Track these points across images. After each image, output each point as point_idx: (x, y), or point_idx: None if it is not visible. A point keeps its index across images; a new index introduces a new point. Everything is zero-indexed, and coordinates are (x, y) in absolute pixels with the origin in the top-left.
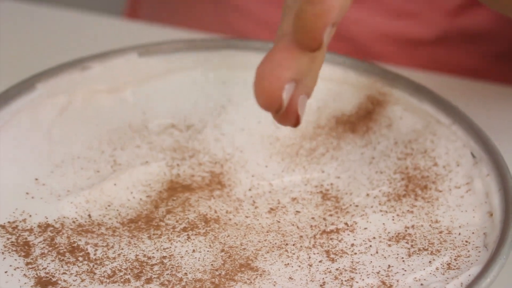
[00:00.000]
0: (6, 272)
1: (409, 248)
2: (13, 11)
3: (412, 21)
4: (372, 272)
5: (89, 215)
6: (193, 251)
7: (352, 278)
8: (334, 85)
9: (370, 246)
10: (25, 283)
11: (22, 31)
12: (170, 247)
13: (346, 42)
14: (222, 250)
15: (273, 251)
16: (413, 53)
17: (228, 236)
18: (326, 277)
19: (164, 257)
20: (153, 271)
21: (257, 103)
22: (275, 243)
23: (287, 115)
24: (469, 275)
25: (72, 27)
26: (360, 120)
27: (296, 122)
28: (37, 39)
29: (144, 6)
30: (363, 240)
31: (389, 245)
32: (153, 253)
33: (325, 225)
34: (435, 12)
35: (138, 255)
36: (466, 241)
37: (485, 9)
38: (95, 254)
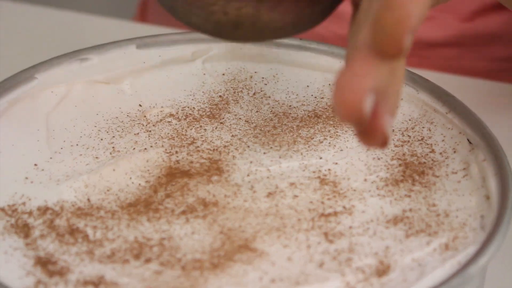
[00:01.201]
0: (6, 252)
1: (406, 230)
2: (23, 13)
3: (427, 24)
4: (370, 253)
5: (88, 199)
6: (192, 233)
7: (350, 259)
8: (331, 75)
9: (368, 228)
10: (25, 263)
11: (33, 32)
12: (169, 229)
13: None
14: (221, 232)
15: (271, 233)
16: (425, 55)
17: (227, 219)
18: (325, 257)
19: (163, 238)
20: (152, 252)
21: (337, 114)
22: (274, 226)
23: (374, 134)
24: (467, 255)
25: (81, 29)
26: None
27: (384, 142)
28: (46, 40)
29: (153, 10)
30: (361, 223)
31: (387, 228)
32: (152, 235)
33: (323, 209)
34: (449, 16)
35: (137, 236)
36: (464, 223)
37: (498, 14)
38: (94, 236)
